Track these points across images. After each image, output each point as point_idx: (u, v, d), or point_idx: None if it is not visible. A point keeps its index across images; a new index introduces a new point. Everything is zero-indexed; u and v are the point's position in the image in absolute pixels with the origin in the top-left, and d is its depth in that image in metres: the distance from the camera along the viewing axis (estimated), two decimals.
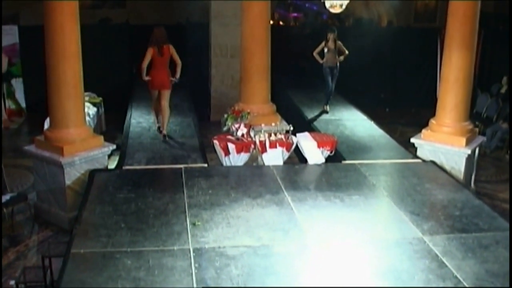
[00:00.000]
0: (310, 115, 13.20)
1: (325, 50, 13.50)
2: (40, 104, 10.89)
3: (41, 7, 9.07)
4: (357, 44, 16.67)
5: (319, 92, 15.35)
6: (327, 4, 14.36)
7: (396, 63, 17.60)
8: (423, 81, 17.30)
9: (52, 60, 9.11)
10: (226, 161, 9.86)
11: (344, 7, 14.31)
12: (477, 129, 10.89)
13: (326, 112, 13.62)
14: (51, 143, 9.35)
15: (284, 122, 11.36)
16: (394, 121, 15.79)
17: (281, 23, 23.87)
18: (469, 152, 10.07)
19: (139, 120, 12.41)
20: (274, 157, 9.85)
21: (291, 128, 10.56)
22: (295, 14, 25.19)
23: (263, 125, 10.52)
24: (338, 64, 13.63)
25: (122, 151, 10.47)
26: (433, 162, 10.17)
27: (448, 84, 10.20)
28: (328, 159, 10.10)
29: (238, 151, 9.77)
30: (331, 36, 13.50)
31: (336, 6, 14.20)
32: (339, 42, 13.58)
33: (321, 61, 13.64)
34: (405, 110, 17.16)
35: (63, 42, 9.01)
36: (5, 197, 9.17)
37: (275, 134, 10.13)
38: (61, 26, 8.96)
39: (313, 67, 17.37)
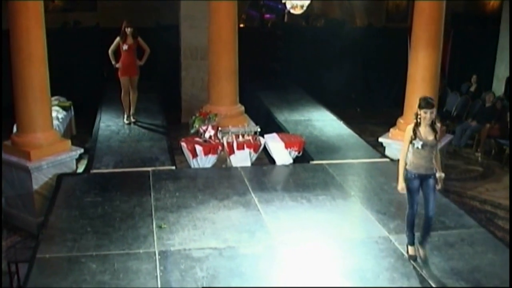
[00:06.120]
0: (280, 116, 13.13)
1: (416, 145, 6.62)
2: (9, 108, 10.80)
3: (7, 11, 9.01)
4: (329, 44, 16.81)
5: (289, 94, 15.36)
6: (288, 5, 14.33)
7: (368, 63, 17.69)
8: (395, 81, 17.35)
9: (17, 65, 9.06)
10: (194, 163, 9.87)
11: (305, 8, 14.25)
12: (445, 128, 10.95)
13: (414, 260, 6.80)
14: (18, 147, 9.30)
15: (252, 123, 11.37)
16: (365, 121, 15.81)
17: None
18: None
19: (108, 124, 12.35)
20: (242, 159, 9.88)
21: (259, 129, 10.60)
22: (267, 15, 25.21)
23: (230, 126, 10.55)
24: (435, 171, 6.96)
25: (90, 154, 10.40)
26: None
27: (415, 84, 10.28)
28: (296, 160, 10.15)
29: (206, 153, 9.80)
30: (426, 116, 6.54)
31: (297, 7, 14.16)
32: (437, 126, 6.80)
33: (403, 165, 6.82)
34: (376, 110, 17.17)
35: (29, 46, 8.96)
36: None
37: (243, 136, 10.18)
38: (27, 30, 8.91)
39: (284, 69, 17.48)
